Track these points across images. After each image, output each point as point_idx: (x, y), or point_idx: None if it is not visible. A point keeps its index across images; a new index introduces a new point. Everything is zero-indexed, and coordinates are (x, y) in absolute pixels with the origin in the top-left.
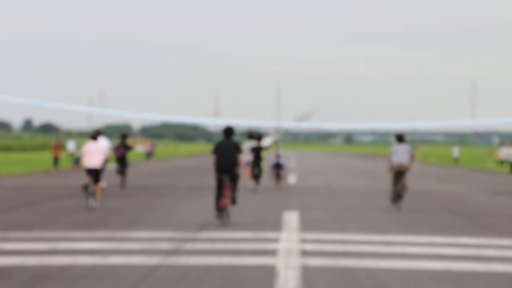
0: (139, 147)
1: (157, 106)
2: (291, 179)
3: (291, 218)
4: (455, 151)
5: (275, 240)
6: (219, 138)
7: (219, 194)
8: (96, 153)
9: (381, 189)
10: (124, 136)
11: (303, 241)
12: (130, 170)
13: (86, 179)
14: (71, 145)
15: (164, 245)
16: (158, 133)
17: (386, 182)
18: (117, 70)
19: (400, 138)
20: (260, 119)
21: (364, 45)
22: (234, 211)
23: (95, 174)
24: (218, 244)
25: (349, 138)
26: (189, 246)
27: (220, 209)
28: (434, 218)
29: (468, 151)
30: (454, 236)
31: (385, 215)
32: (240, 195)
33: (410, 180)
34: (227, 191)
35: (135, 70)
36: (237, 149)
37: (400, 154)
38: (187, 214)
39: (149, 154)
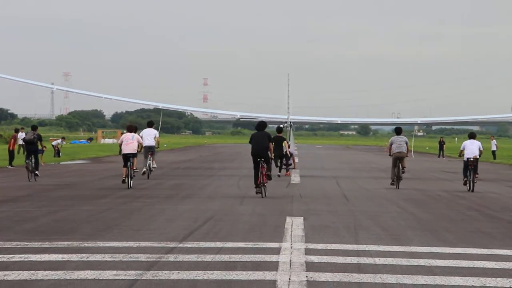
0: (109, 140)
1: (132, 90)
2: (295, 178)
3: (295, 224)
4: (493, 144)
5: (276, 251)
6: (207, 128)
7: (257, 174)
8: (132, 141)
9: (403, 192)
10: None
11: (309, 252)
12: (104, 166)
13: (125, 165)
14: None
15: (142, 257)
16: (134, 122)
17: (408, 184)
18: (82, 51)
19: (398, 131)
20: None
21: None
22: (228, 216)
23: (131, 157)
24: (207, 256)
25: (364, 128)
26: (171, 258)
27: (258, 186)
28: (466, 225)
29: (508, 143)
30: (490, 247)
31: (407, 222)
32: (235, 197)
33: (408, 163)
34: (263, 171)
35: (102, 51)
36: (269, 139)
37: (399, 143)
38: (170, 220)
39: None
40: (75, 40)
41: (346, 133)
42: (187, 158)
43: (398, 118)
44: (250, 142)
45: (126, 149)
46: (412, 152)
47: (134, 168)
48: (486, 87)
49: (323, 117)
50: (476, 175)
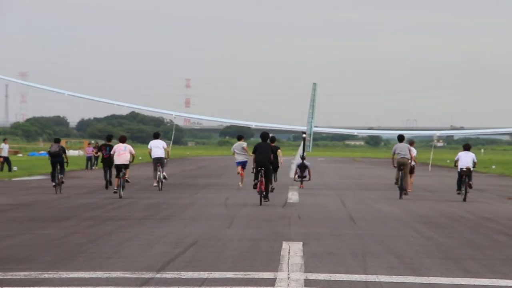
0: (74, 152)
1: (102, 92)
2: (293, 196)
3: (293, 250)
4: None
5: (270, 282)
6: (190, 138)
7: (257, 182)
8: (124, 152)
9: (419, 213)
10: (109, 137)
11: (309, 283)
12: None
13: (117, 175)
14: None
15: None
16: (103, 130)
17: (426, 203)
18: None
19: (400, 138)
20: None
21: None
22: (213, 241)
23: (123, 168)
24: None
25: (374, 138)
26: None
27: (259, 192)
28: (495, 252)
29: None
30: None
31: (424, 248)
32: (222, 219)
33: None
34: (262, 180)
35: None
36: (272, 150)
37: (402, 150)
38: (145, 246)
39: (90, 160)
40: (35, 37)
41: (352, 143)
42: (166, 172)
43: (420, 129)
44: (253, 152)
45: (118, 160)
46: (430, 165)
47: (127, 177)
48: None
49: (339, 129)
50: (470, 183)
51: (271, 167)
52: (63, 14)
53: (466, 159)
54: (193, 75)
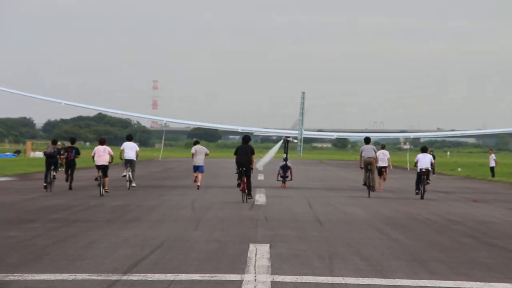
0: (40, 153)
1: (65, 93)
2: (260, 198)
3: (260, 252)
4: (491, 159)
5: (237, 284)
6: (157, 140)
7: (240, 182)
8: (103, 154)
9: (386, 215)
10: (73, 140)
11: (276, 285)
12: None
13: (98, 173)
14: None
15: None
16: (70, 132)
17: (392, 205)
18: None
19: (366, 140)
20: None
21: None
22: (180, 243)
23: (104, 169)
24: None
25: (341, 140)
26: None
27: (242, 190)
28: (460, 254)
29: (509, 158)
30: (488, 280)
31: (390, 250)
32: (188, 221)
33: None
34: (244, 180)
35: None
36: (251, 151)
37: (368, 151)
38: (111, 248)
39: None
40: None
41: (320, 145)
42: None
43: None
44: (235, 154)
45: (98, 161)
46: (391, 167)
47: (106, 188)
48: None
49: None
50: (428, 181)
51: (251, 167)
52: (27, 15)
53: (424, 160)
54: (160, 77)
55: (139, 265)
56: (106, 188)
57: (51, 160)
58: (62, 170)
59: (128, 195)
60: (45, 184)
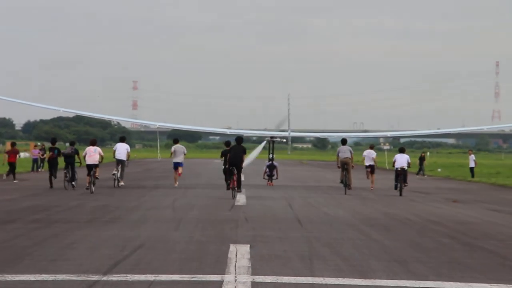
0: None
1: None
2: (241, 199)
3: (240, 253)
4: (471, 160)
5: (217, 285)
6: (137, 140)
7: (230, 180)
8: (94, 154)
9: (366, 215)
10: (54, 140)
11: (256, 286)
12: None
13: (88, 174)
14: None
15: None
16: (50, 132)
17: (373, 206)
18: None
19: (343, 142)
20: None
21: None
22: (160, 244)
23: (94, 167)
24: None
25: (321, 141)
26: None
27: (231, 189)
28: (441, 255)
29: (489, 159)
30: (468, 280)
31: (371, 250)
32: (169, 222)
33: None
34: (234, 177)
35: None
36: (243, 151)
37: (344, 152)
38: (91, 248)
39: (36, 162)
40: None
41: (300, 146)
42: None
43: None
44: (226, 153)
45: (89, 161)
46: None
47: (97, 175)
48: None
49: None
50: (405, 184)
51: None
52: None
53: (401, 160)
54: (140, 77)
55: (120, 265)
56: (97, 175)
57: (68, 160)
58: (42, 170)
59: (109, 196)
60: (66, 182)
